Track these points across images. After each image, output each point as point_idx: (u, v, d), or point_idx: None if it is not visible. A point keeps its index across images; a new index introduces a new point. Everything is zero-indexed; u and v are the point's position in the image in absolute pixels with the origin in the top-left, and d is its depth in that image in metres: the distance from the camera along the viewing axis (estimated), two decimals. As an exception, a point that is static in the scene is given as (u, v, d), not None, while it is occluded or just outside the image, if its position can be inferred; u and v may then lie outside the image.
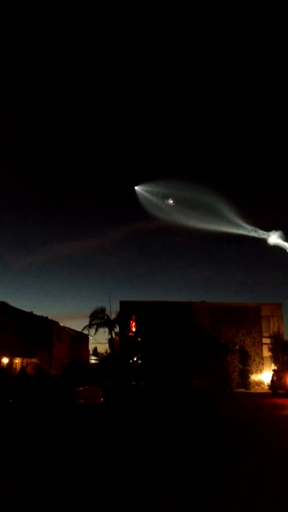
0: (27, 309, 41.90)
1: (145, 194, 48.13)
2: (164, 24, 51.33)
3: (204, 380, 36.60)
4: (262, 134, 66.10)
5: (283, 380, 28.54)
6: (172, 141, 69.29)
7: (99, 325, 35.53)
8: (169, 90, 63.33)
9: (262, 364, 38.47)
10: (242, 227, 47.80)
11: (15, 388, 25.90)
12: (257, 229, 48.67)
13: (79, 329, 41.06)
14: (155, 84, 61.66)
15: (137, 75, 62.12)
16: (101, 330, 35.98)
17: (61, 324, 44.64)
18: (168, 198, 47.96)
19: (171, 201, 48.11)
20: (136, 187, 48.48)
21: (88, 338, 48.31)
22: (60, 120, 68.94)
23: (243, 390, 35.28)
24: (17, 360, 36.67)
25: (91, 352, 55.74)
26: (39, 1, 44.12)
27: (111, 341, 36.23)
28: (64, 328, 45.62)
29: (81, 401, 22.02)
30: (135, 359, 36.40)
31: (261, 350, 38.99)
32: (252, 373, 37.44)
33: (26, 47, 55.19)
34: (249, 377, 37.03)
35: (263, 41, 55.56)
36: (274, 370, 32.19)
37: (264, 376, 37.52)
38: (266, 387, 35.11)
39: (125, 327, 37.36)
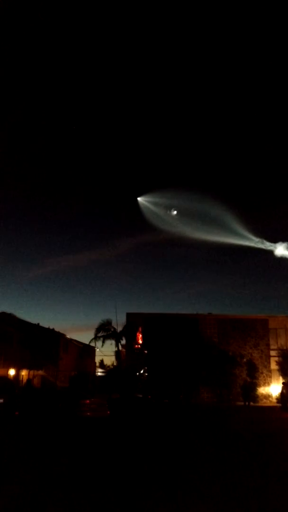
0: (33, 321, 42.03)
1: (148, 205, 48.18)
2: (164, 32, 52.00)
3: (213, 393, 36.32)
4: (269, 145, 66.30)
5: None
6: (176, 152, 69.75)
7: (105, 338, 35.47)
8: (174, 98, 63.92)
9: (270, 377, 38.07)
10: (249, 239, 47.77)
11: (21, 400, 25.84)
12: (264, 241, 48.63)
13: (86, 342, 41.13)
14: (158, 93, 62.11)
15: (140, 83, 62.63)
16: (107, 342, 35.92)
17: (68, 337, 44.64)
18: (172, 209, 48.03)
19: (175, 212, 48.16)
20: (139, 198, 48.53)
21: (94, 350, 48.25)
22: (63, 132, 69.82)
23: (250, 403, 34.89)
24: (24, 372, 36.65)
25: (97, 364, 55.61)
26: (39, 1, 44.72)
27: (117, 354, 36.13)
28: (71, 340, 45.60)
29: (88, 413, 21.92)
30: (141, 371, 36.22)
31: (269, 363, 38.62)
32: (260, 386, 37.01)
33: (24, 53, 56.13)
34: (256, 390, 36.60)
35: (265, 50, 56.07)
36: (284, 383, 31.83)
37: (272, 389, 37.11)
38: (274, 401, 34.70)
39: (132, 339, 37.29)
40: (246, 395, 33.40)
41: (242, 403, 33.25)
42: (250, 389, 33.80)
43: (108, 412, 22.57)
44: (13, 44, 49.59)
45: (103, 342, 35.64)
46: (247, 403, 32.31)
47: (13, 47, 49.42)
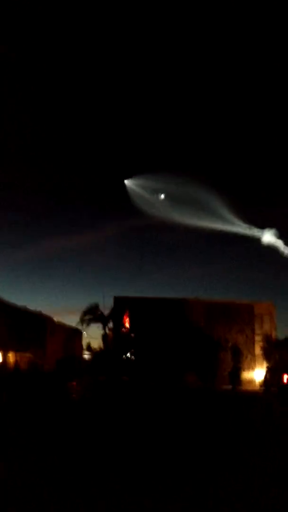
0: (21, 303, 41.83)
1: (136, 188, 47.72)
2: (162, 23, 51.20)
3: (198, 377, 36.85)
4: (259, 131, 66.27)
5: (277, 378, 28.84)
6: (165, 135, 69.26)
7: (92, 321, 35.62)
8: (162, 80, 63.16)
9: (254, 362, 38.79)
10: (237, 225, 48.03)
11: (9, 383, 25.93)
12: (252, 227, 48.96)
13: (73, 325, 41.17)
14: (148, 75, 61.49)
15: (129, 66, 61.70)
16: (95, 326, 36.09)
17: (55, 320, 44.64)
18: (160, 193, 47.68)
19: (162, 196, 47.79)
20: (126, 181, 47.94)
21: (82, 333, 48.38)
22: (51, 114, 68.63)
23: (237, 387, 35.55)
24: (11, 355, 36.68)
25: (84, 347, 55.80)
26: (40, 1, 43.80)
27: (104, 337, 36.32)
28: (58, 323, 45.62)
29: (74, 396, 22.16)
30: (128, 354, 36.55)
31: (253, 348, 39.30)
32: (244, 371, 37.66)
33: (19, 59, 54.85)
34: (241, 375, 37.27)
35: (262, 41, 55.60)
36: (267, 367, 32.54)
37: (256, 374, 37.82)
38: (258, 385, 35.41)
39: (119, 323, 37.48)
40: (234, 379, 33.60)
41: (228, 387, 33.80)
42: (237, 374, 34.12)
43: (95, 394, 22.81)
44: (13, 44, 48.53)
45: (88, 324, 35.80)
46: (235, 387, 32.44)
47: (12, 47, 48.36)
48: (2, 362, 33.67)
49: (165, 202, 48.28)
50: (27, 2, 43.07)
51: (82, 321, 35.63)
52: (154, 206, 48.46)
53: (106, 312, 36.08)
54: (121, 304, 38.28)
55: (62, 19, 52.00)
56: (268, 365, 34.66)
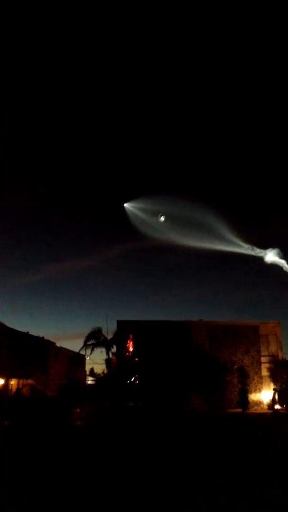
0: (23, 329, 41.47)
1: (135, 211, 47.79)
2: (161, 39, 52.42)
3: (204, 400, 36.13)
4: (259, 150, 66.90)
5: (285, 399, 28.21)
6: (164, 157, 69.87)
7: (95, 345, 35.07)
8: (162, 102, 64.26)
9: (261, 383, 38.00)
10: (239, 245, 47.92)
11: (11, 410, 25.43)
12: (254, 247, 48.84)
13: (76, 350, 40.62)
14: (147, 97, 62.42)
15: (128, 88, 62.71)
16: (98, 350, 35.49)
17: (58, 345, 44.15)
18: (159, 215, 47.71)
19: (163, 218, 47.86)
20: (125, 204, 48.07)
21: (85, 358, 47.79)
22: (52, 138, 69.65)
23: (240, 410, 34.78)
24: (13, 381, 36.14)
25: (88, 372, 55.06)
26: (40, 1, 44.69)
27: (108, 362, 35.71)
28: (61, 348, 45.11)
29: (78, 422, 21.65)
30: (132, 379, 35.89)
31: (260, 369, 38.58)
32: (251, 393, 36.90)
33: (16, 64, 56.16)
34: (248, 397, 36.51)
35: (264, 58, 56.73)
36: (274, 389, 31.88)
37: (263, 395, 37.02)
38: (266, 407, 34.59)
39: (122, 347, 36.89)
40: (243, 402, 32.49)
41: (234, 410, 33.04)
42: (245, 396, 33.13)
43: (99, 420, 22.31)
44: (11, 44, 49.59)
45: (92, 350, 35.24)
46: (245, 411, 31.40)
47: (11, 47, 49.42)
48: (4, 389, 33.14)
49: (165, 224, 48.33)
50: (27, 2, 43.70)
51: (85, 346, 35.12)
52: (155, 228, 48.52)
53: (109, 336, 35.61)
54: (125, 328, 37.76)
55: (60, 29, 53.30)
56: (275, 386, 33.92)
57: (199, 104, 64.18)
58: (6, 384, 34.54)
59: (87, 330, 35.21)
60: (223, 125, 69.42)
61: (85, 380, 47.12)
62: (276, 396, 30.09)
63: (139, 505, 7.12)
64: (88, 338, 34.89)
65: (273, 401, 30.76)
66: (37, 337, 41.61)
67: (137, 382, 36.05)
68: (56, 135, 70.20)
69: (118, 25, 51.40)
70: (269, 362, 37.95)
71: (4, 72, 50.26)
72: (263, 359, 38.89)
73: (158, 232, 49.41)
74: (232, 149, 66.84)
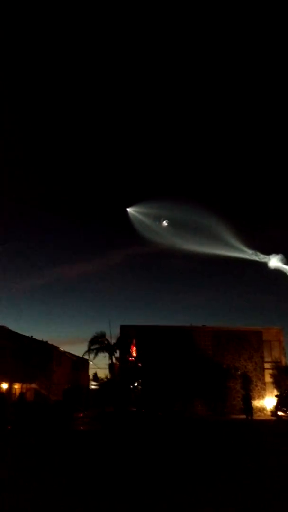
0: (27, 333, 41.57)
1: (139, 216, 47.85)
2: (161, 41, 52.71)
3: (207, 406, 36.06)
4: (262, 154, 66.97)
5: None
6: (167, 162, 69.96)
7: (99, 350, 35.15)
8: (164, 107, 64.41)
9: (264, 390, 37.92)
10: (242, 251, 47.99)
11: (14, 414, 25.53)
12: (258, 253, 48.87)
13: (79, 354, 40.71)
14: (148, 102, 62.62)
15: (129, 90, 62.96)
16: (101, 355, 35.58)
17: (61, 349, 44.24)
18: (162, 220, 47.72)
19: (165, 223, 47.89)
20: (128, 209, 48.08)
21: (88, 363, 47.81)
22: (55, 143, 70.11)
23: (244, 417, 34.67)
24: (17, 386, 36.22)
25: (91, 377, 55.05)
26: (39, 2, 44.99)
27: (111, 366, 35.79)
28: (64, 353, 45.19)
29: (81, 427, 21.71)
30: (135, 384, 35.92)
31: (263, 375, 38.50)
32: (254, 399, 36.78)
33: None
34: (251, 403, 36.38)
35: (264, 61, 56.93)
36: (277, 396, 31.87)
37: (266, 402, 36.92)
38: (269, 414, 34.49)
39: (126, 352, 36.97)
40: (247, 408, 32.00)
41: (238, 417, 32.89)
42: (249, 402, 32.65)
43: (101, 425, 22.37)
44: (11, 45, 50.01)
45: (96, 354, 35.31)
46: (249, 417, 31.07)
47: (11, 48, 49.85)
48: (7, 394, 33.23)
49: (168, 229, 48.39)
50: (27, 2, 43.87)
51: (89, 350, 35.19)
52: (158, 233, 48.57)
53: (112, 341, 35.69)
54: (128, 333, 37.86)
55: (59, 35, 53.72)
56: (277, 393, 33.81)
57: (202, 108, 64.42)
58: (9, 389, 34.61)
59: (90, 335, 35.41)
60: (226, 129, 69.57)
61: (88, 384, 47.10)
62: (278, 403, 30.10)
63: (139, 508, 7.21)
64: (91, 342, 35.02)
65: (276, 408, 30.70)
66: (41, 342, 41.73)
67: (140, 387, 36.08)
68: (59, 140, 70.66)
69: (119, 28, 51.76)
70: (272, 368, 37.91)
71: (4, 74, 50.68)
72: (266, 365, 38.83)
73: (162, 237, 49.53)
74: (236, 153, 66.95)
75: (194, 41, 52.16)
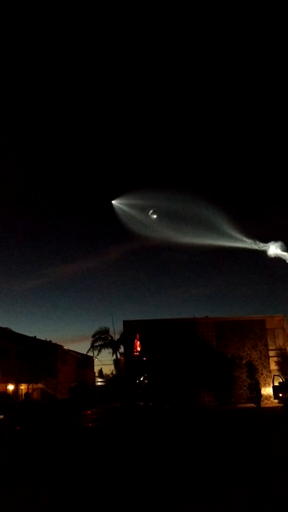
0: (30, 333, 41.70)
1: (125, 208, 46.11)
2: (160, 41, 52.34)
3: (214, 396, 36.13)
4: (259, 141, 66.45)
5: None
6: (161, 149, 69.22)
7: (103, 346, 35.09)
8: (150, 94, 63.72)
9: (270, 377, 37.94)
10: (241, 240, 47.87)
11: (22, 415, 25.51)
12: (257, 241, 48.78)
13: (84, 352, 40.73)
14: (133, 90, 61.80)
15: (117, 81, 62.28)
16: (106, 351, 35.50)
17: (65, 348, 44.29)
18: (150, 212, 46.23)
19: (154, 216, 46.63)
20: (113, 202, 46.28)
21: (93, 360, 47.90)
22: (52, 143, 69.71)
23: (252, 405, 34.73)
24: (23, 386, 36.30)
25: (97, 374, 55.22)
26: (39, 2, 44.61)
27: (116, 362, 35.76)
28: (69, 351, 45.26)
29: (89, 424, 21.71)
30: (141, 379, 35.93)
31: (268, 363, 38.54)
32: (260, 387, 36.81)
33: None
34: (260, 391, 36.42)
35: (262, 55, 56.51)
36: (280, 383, 32.23)
37: (272, 389, 36.96)
38: (276, 401, 34.53)
39: (130, 347, 36.94)
40: (257, 396, 31.69)
41: (245, 405, 32.92)
42: (259, 390, 32.33)
43: (110, 421, 22.37)
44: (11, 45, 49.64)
45: (99, 351, 35.23)
46: (256, 405, 30.91)
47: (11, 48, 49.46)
48: (14, 395, 33.27)
49: (158, 221, 47.19)
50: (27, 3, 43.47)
51: (93, 347, 35.15)
52: (147, 226, 47.11)
53: (116, 337, 35.63)
54: (131, 328, 37.81)
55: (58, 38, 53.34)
56: (280, 380, 33.73)
57: (192, 94, 63.71)
58: (16, 390, 34.67)
59: (93, 332, 35.31)
60: (220, 115, 68.95)
61: (94, 381, 47.25)
62: (281, 390, 30.60)
63: (142, 505, 7.19)
64: (96, 339, 34.94)
65: (274, 388, 31.63)
66: (45, 341, 41.78)
67: (146, 381, 36.11)
68: (56, 139, 70.26)
69: (117, 25, 51.36)
70: (277, 356, 37.95)
71: (3, 74, 50.35)
72: (271, 353, 38.86)
73: (152, 230, 48.41)
74: (230, 139, 66.35)
75: (190, 34, 51.78)
